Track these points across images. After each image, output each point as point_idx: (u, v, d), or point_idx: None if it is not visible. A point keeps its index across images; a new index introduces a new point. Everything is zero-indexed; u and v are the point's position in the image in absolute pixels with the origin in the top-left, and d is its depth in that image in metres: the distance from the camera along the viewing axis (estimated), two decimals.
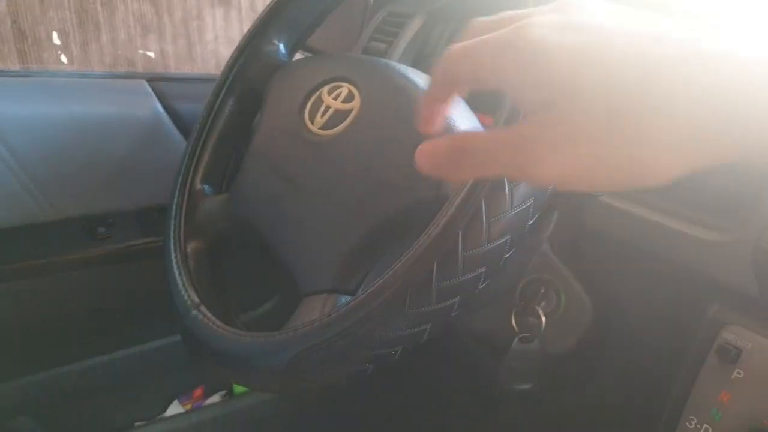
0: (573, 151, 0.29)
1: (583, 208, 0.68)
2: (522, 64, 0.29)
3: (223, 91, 0.79)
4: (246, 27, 2.13)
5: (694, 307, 0.59)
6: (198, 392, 1.10)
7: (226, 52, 2.05)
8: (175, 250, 0.71)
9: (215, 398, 1.10)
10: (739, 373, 0.55)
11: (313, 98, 0.68)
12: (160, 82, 0.97)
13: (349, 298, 0.60)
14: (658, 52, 0.27)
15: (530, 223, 0.50)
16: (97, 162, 0.90)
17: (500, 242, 0.49)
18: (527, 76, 0.29)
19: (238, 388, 1.11)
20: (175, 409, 1.07)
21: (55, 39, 1.51)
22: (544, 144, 0.29)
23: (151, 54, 1.86)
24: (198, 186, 0.77)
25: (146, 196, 0.95)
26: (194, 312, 0.65)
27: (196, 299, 0.66)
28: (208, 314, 0.64)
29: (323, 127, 0.65)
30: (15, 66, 1.78)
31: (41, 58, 1.67)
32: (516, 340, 0.68)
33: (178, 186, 0.76)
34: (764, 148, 0.26)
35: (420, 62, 0.96)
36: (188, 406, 1.08)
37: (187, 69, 2.05)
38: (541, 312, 0.67)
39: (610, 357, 0.69)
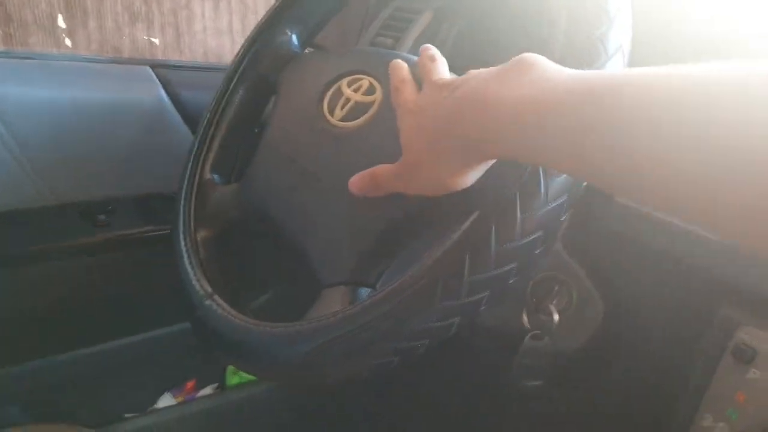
0: (416, 178, 0.50)
1: (595, 207, 0.68)
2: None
3: (234, 80, 0.78)
4: (235, 19, 2.11)
5: (707, 307, 0.60)
6: (190, 385, 1.09)
7: (214, 42, 2.04)
8: (185, 239, 0.71)
9: (207, 390, 1.09)
10: (754, 374, 0.55)
11: (332, 90, 0.67)
12: (164, 69, 0.95)
13: (369, 290, 0.60)
14: (438, 114, 0.47)
15: (563, 219, 0.50)
16: (98, 148, 0.89)
17: (533, 237, 0.49)
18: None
19: (231, 381, 1.10)
20: (166, 401, 1.06)
21: (60, 22, 1.49)
22: (405, 176, 0.52)
23: (154, 40, 1.84)
24: (207, 175, 0.76)
25: (147, 183, 0.94)
26: (208, 302, 0.64)
27: (209, 289, 0.66)
28: (223, 303, 0.64)
29: (343, 119, 0.64)
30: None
31: (27, 42, 1.64)
32: (528, 337, 0.68)
33: (188, 175, 0.75)
34: (507, 154, 0.42)
35: None
36: (180, 399, 1.07)
37: (174, 58, 2.02)
38: (553, 309, 0.68)
39: (621, 356, 0.70)
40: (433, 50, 0.55)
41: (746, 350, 0.56)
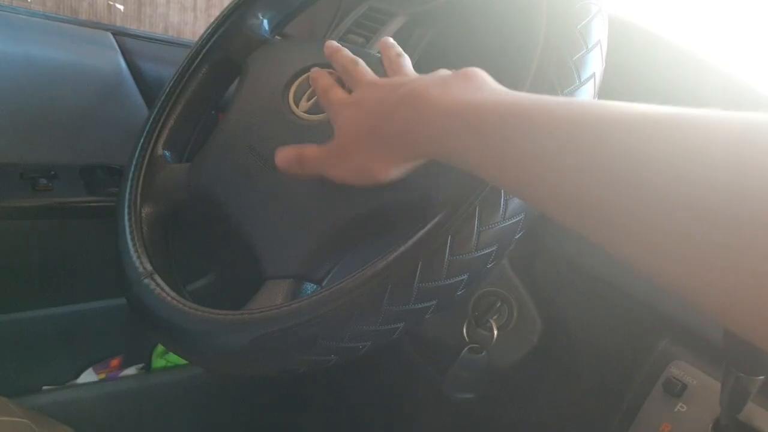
0: (345, 165, 0.52)
1: (546, 229, 0.69)
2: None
3: (199, 58, 0.77)
4: None
5: (644, 338, 0.61)
6: (115, 362, 1.06)
7: (176, 18, 1.99)
8: (130, 214, 0.69)
9: (131, 371, 1.06)
10: (682, 407, 0.57)
11: (299, 80, 0.67)
12: (126, 38, 0.93)
13: (314, 286, 0.59)
14: (379, 108, 0.48)
15: (517, 237, 0.51)
16: (47, 109, 0.85)
17: (487, 251, 0.49)
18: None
19: (157, 363, 1.07)
20: (88, 376, 1.03)
21: None
22: (333, 160, 0.53)
23: (119, 6, 1.79)
24: (159, 151, 0.74)
25: (95, 153, 0.91)
26: (146, 280, 0.63)
27: (149, 267, 0.64)
28: (162, 284, 0.62)
29: (308, 111, 0.64)
30: None
31: None
32: (465, 350, 0.68)
33: (139, 148, 0.73)
34: (443, 155, 0.43)
35: None
36: (102, 376, 1.04)
37: (133, 28, 1.97)
38: (493, 324, 0.69)
39: (554, 376, 0.71)
40: (397, 46, 0.59)
41: (677, 384, 0.58)
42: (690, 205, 0.26)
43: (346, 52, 0.59)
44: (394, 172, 0.50)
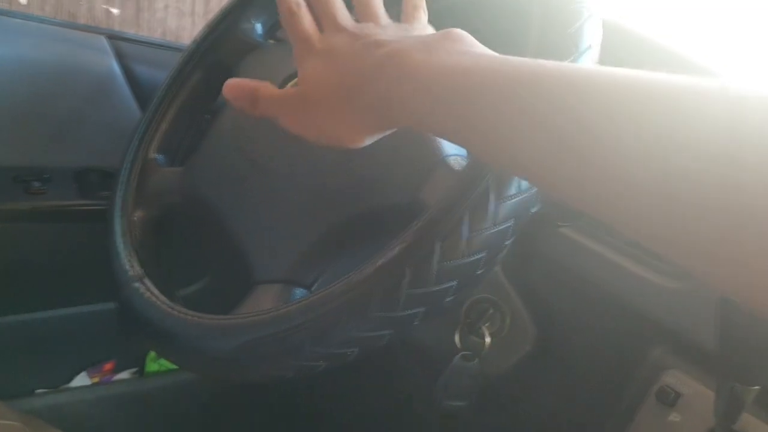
0: (307, 118, 0.47)
1: (539, 235, 0.69)
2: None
3: (192, 62, 0.76)
4: (199, 1, 2.06)
5: (638, 347, 0.60)
6: (108, 366, 1.05)
7: (174, 23, 1.99)
8: (121, 218, 0.68)
9: (125, 375, 1.06)
10: (675, 417, 0.56)
11: (290, 84, 0.66)
12: (120, 42, 0.92)
13: (303, 291, 0.58)
14: (355, 66, 0.43)
15: (507, 242, 0.50)
16: (41, 112, 0.85)
17: (476, 258, 0.48)
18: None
19: (150, 367, 1.06)
20: (81, 380, 1.02)
21: None
22: (291, 109, 0.48)
23: (114, 10, 1.78)
24: (152, 155, 0.74)
25: (88, 156, 0.90)
26: (136, 284, 0.62)
27: (140, 270, 0.64)
28: (152, 288, 0.62)
29: None
30: None
31: None
32: (458, 357, 0.68)
33: (131, 151, 0.73)
34: (426, 124, 0.39)
35: None
36: (96, 380, 1.03)
37: (128, 32, 1.96)
38: (486, 332, 0.68)
39: (547, 384, 0.70)
40: None
41: (670, 393, 0.57)
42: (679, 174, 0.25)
43: None
44: (366, 140, 0.46)
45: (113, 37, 0.93)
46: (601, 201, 0.29)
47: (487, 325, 0.69)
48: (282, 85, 0.66)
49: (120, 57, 0.92)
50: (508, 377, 0.68)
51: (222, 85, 0.77)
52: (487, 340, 0.67)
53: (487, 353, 0.67)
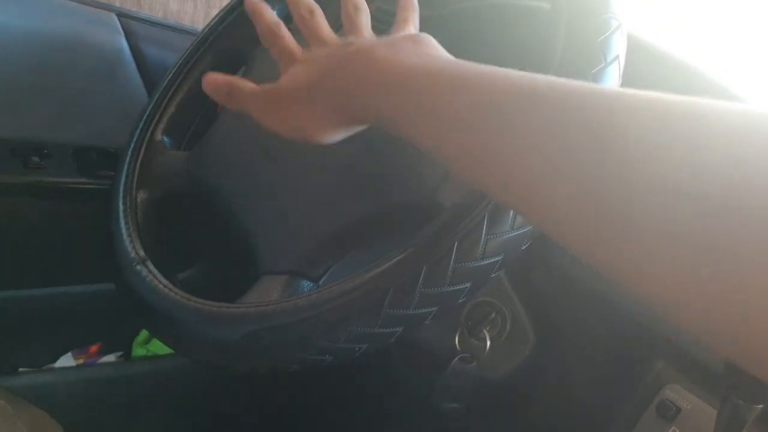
0: (279, 113, 0.49)
1: (544, 241, 0.69)
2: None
3: (205, 45, 0.75)
4: None
5: (639, 359, 0.60)
6: (94, 348, 1.04)
7: (176, 5, 1.97)
8: (125, 199, 0.67)
9: (110, 358, 1.04)
10: (674, 431, 0.56)
11: None
12: (131, 20, 0.91)
13: (310, 284, 0.58)
14: (326, 65, 0.45)
15: (524, 247, 0.50)
16: (46, 85, 0.84)
17: (493, 261, 0.48)
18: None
19: (137, 352, 1.05)
20: (66, 361, 1.00)
21: None
22: (266, 104, 0.50)
23: None
24: (159, 137, 0.73)
25: (90, 134, 0.89)
26: (138, 267, 0.61)
27: (142, 253, 0.63)
28: (155, 271, 0.61)
29: None
30: None
31: None
32: (456, 359, 0.67)
33: (138, 132, 0.72)
34: (386, 120, 0.40)
35: None
36: (80, 361, 1.02)
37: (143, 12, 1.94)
38: (486, 335, 0.68)
39: (546, 389, 0.70)
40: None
41: (670, 407, 0.57)
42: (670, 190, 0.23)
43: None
44: (330, 134, 0.48)
45: (124, 16, 0.92)
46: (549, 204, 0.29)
47: (488, 328, 0.68)
48: None
49: (129, 36, 0.90)
50: (505, 382, 0.67)
51: (234, 70, 0.77)
52: (487, 343, 0.67)
53: (487, 357, 0.67)
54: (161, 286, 0.59)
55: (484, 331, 0.68)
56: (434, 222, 0.49)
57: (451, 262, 0.47)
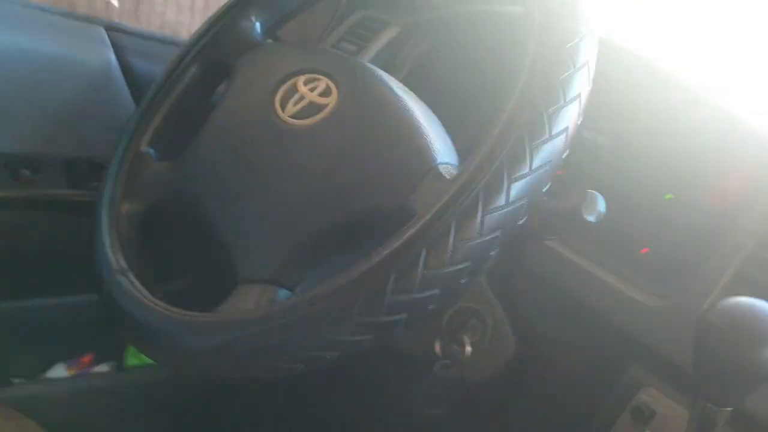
0: None
1: (524, 247, 0.69)
2: None
3: (189, 57, 0.76)
4: None
5: (616, 363, 0.61)
6: (86, 359, 1.05)
7: (173, 17, 1.99)
8: (109, 210, 0.68)
9: (103, 368, 1.05)
10: None
11: (286, 85, 0.66)
12: (118, 33, 0.92)
13: (287, 292, 0.58)
14: None
15: (492, 254, 0.50)
16: (34, 100, 0.85)
17: (461, 267, 0.49)
18: None
19: (130, 361, 1.06)
20: (58, 372, 1.01)
21: None
22: None
23: (113, 1, 1.79)
24: (143, 148, 0.74)
25: (80, 146, 0.90)
26: (120, 278, 0.62)
27: (124, 264, 0.64)
28: (136, 282, 0.62)
29: (294, 116, 0.63)
30: None
31: None
32: (437, 365, 0.68)
33: (123, 144, 0.73)
34: None
35: (391, 72, 0.96)
36: (72, 372, 1.03)
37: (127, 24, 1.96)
38: (467, 340, 0.68)
39: (525, 394, 0.71)
40: None
41: (645, 411, 0.58)
42: None
43: None
44: None
45: (112, 29, 0.93)
46: None
47: (469, 334, 0.69)
48: (278, 85, 0.66)
49: (117, 49, 0.92)
50: (486, 387, 0.68)
51: (218, 81, 0.78)
52: (468, 349, 0.68)
53: (468, 362, 0.68)
54: (140, 296, 0.60)
55: (465, 337, 0.69)
56: (404, 228, 0.49)
57: (420, 269, 0.48)
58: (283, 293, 0.57)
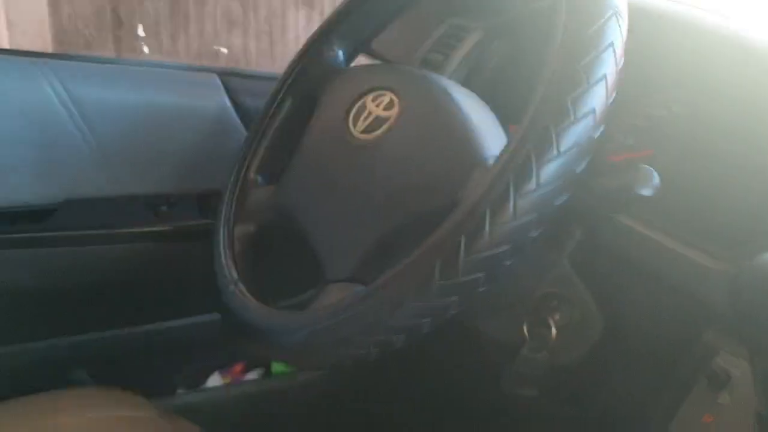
0: None
1: (602, 228, 0.71)
2: None
3: (283, 91, 0.86)
4: None
5: (691, 330, 0.62)
6: (238, 367, 1.17)
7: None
8: (224, 231, 0.79)
9: (254, 375, 1.17)
10: (725, 398, 0.57)
11: (358, 104, 0.73)
12: (230, 77, 1.04)
13: (362, 288, 0.65)
14: None
15: (532, 234, 0.54)
16: (165, 146, 0.98)
17: (501, 250, 0.53)
18: None
19: (276, 368, 1.17)
20: (215, 380, 1.15)
21: (140, 31, 1.62)
22: None
23: (223, 49, 1.97)
24: (252, 175, 0.84)
25: (207, 181, 1.02)
26: (231, 287, 0.72)
27: (235, 276, 0.73)
28: (244, 290, 0.71)
29: (363, 131, 0.70)
30: (111, 50, 1.91)
31: (133, 45, 1.78)
32: (525, 347, 0.71)
33: (234, 173, 0.83)
34: None
35: (475, 76, 1.00)
36: (227, 380, 1.15)
37: (266, 65, 2.13)
38: (552, 324, 0.71)
39: (613, 373, 0.72)
40: None
41: (721, 375, 0.58)
42: None
43: None
44: None
45: (224, 74, 1.05)
46: None
47: (555, 317, 0.72)
48: (352, 105, 0.73)
49: (230, 92, 1.04)
50: (575, 368, 0.70)
51: (309, 109, 0.86)
52: (553, 331, 0.71)
53: (556, 344, 0.71)
54: (247, 301, 0.69)
55: (550, 320, 0.72)
56: (445, 221, 0.55)
57: (461, 256, 0.53)
58: (359, 289, 0.64)
